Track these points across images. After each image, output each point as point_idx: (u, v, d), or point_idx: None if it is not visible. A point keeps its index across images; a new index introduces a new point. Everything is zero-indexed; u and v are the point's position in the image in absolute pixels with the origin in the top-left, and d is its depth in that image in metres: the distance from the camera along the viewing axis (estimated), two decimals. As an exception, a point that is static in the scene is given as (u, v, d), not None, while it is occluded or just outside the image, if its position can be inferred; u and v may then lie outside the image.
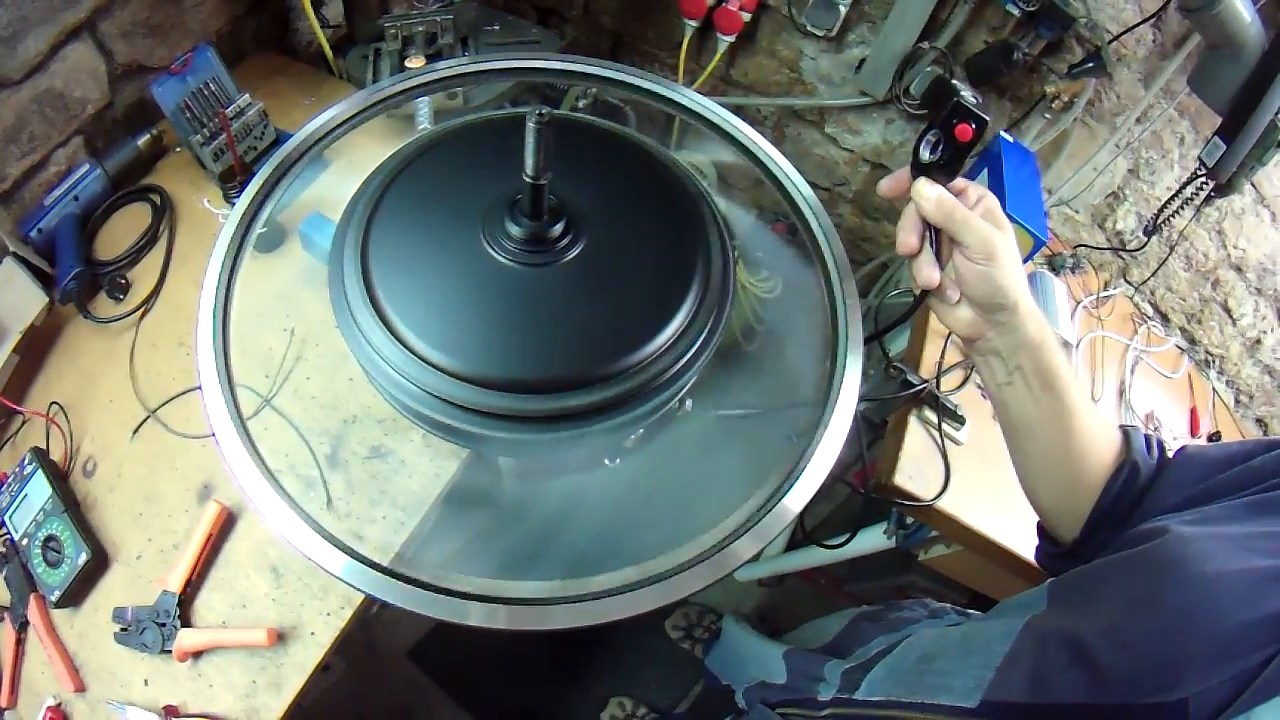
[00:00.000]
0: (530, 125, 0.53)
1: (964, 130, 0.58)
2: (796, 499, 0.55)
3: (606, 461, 0.59)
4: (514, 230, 0.61)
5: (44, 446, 1.04)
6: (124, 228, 1.22)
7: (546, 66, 0.82)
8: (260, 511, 0.52)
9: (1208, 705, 0.45)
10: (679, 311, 0.60)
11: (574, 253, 0.62)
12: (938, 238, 0.62)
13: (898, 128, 1.76)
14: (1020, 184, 1.32)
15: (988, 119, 0.58)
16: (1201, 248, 1.65)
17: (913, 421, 1.18)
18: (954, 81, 0.60)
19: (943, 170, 0.60)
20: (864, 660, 0.86)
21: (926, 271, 0.62)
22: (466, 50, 1.40)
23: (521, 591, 0.49)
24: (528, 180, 0.57)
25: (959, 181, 0.62)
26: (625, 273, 0.64)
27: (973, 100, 0.58)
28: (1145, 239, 1.59)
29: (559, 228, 0.62)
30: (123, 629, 0.91)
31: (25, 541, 0.97)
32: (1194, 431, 1.54)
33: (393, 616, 1.84)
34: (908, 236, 0.62)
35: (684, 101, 0.81)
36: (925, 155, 0.61)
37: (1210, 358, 1.80)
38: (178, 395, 1.06)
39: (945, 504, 1.11)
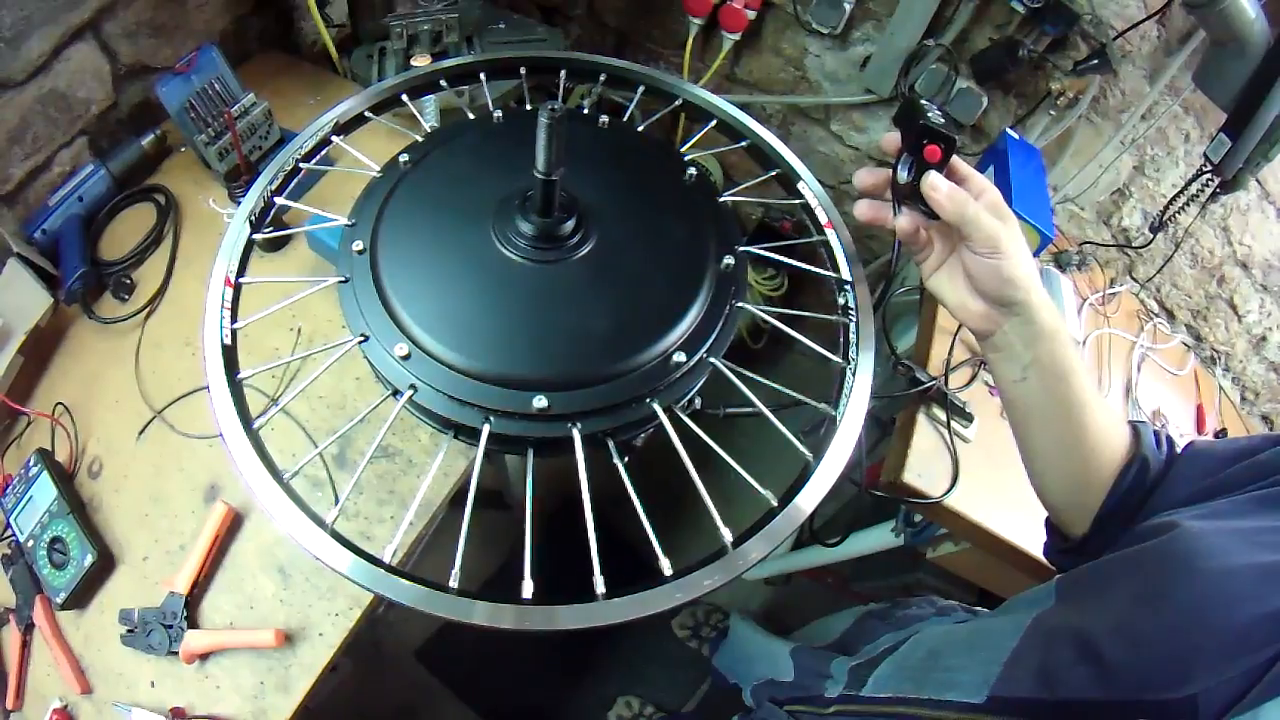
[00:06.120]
0: (543, 121, 0.53)
1: (932, 151, 0.59)
2: (808, 499, 0.55)
3: (616, 461, 0.58)
4: (525, 227, 0.61)
5: (49, 448, 1.04)
6: (129, 228, 1.22)
7: (553, 57, 0.82)
8: (268, 512, 0.51)
9: (1217, 701, 0.45)
10: (690, 309, 0.60)
11: (585, 249, 0.62)
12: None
13: (902, 125, 1.76)
14: (1026, 180, 1.31)
15: (956, 138, 0.59)
16: (1207, 244, 1.65)
17: (921, 419, 1.18)
18: (922, 101, 0.60)
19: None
20: (871, 657, 0.86)
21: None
22: (471, 49, 1.40)
23: (529, 591, 0.49)
24: (539, 176, 0.57)
25: (963, 169, 0.62)
26: (636, 270, 0.63)
27: (940, 120, 0.59)
28: (1151, 236, 1.58)
29: (570, 224, 0.62)
30: (129, 631, 0.91)
31: (31, 543, 0.96)
32: (1200, 428, 1.53)
33: (400, 616, 1.83)
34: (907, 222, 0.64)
35: (691, 98, 0.81)
36: (903, 176, 0.62)
37: (1216, 354, 1.79)
38: (184, 396, 1.06)
39: (953, 501, 1.11)
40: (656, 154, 0.74)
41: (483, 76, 0.80)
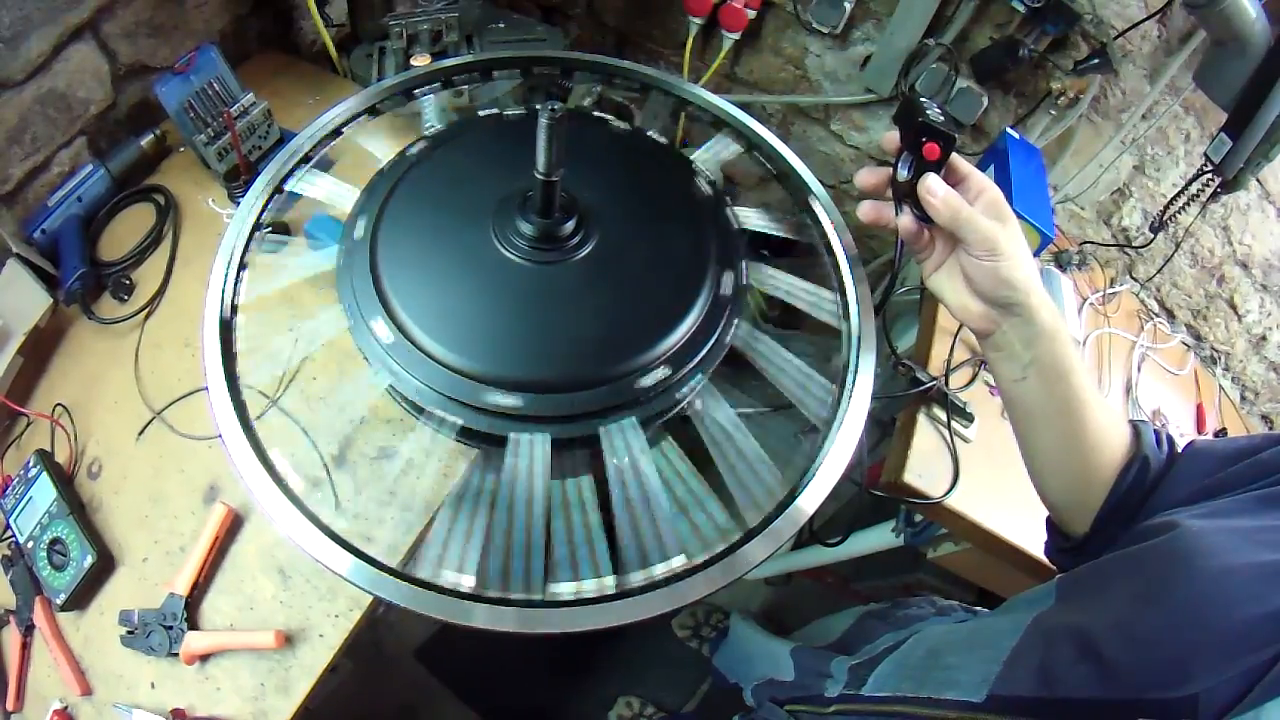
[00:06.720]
0: (543, 121, 0.53)
1: (931, 149, 0.59)
2: (809, 499, 0.55)
3: (614, 461, 0.58)
4: (525, 228, 0.61)
5: (49, 449, 1.04)
6: (128, 228, 1.21)
7: (556, 56, 0.82)
8: (268, 513, 0.51)
9: (1217, 701, 0.45)
10: (691, 310, 0.60)
11: (585, 250, 0.62)
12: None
13: (902, 125, 1.76)
14: (1026, 180, 1.31)
15: (955, 136, 0.58)
16: (1207, 244, 1.65)
17: (921, 419, 1.18)
18: (922, 100, 0.60)
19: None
20: (871, 656, 0.86)
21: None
22: (471, 48, 1.40)
23: (529, 593, 0.49)
24: (539, 177, 0.57)
25: (963, 168, 0.62)
26: (637, 271, 0.63)
27: (939, 119, 0.58)
28: (1151, 235, 1.58)
29: (570, 225, 0.62)
30: (129, 632, 0.91)
31: (30, 544, 0.96)
32: (1200, 428, 1.53)
33: (400, 617, 1.83)
34: (909, 221, 0.64)
35: (691, 97, 0.80)
36: (903, 174, 0.62)
37: (1216, 354, 1.79)
38: (183, 396, 1.05)
39: (954, 501, 1.11)
40: (657, 153, 0.74)
41: (483, 76, 0.80)
